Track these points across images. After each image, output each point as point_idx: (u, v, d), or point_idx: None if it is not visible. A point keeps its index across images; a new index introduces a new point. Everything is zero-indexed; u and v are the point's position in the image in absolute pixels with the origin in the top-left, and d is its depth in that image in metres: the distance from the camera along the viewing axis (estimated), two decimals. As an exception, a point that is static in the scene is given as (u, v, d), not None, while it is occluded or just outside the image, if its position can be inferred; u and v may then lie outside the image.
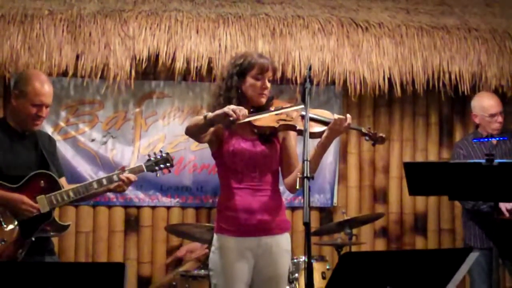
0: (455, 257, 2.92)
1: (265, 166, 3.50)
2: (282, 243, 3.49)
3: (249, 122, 3.38)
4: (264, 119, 3.41)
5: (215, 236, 3.56)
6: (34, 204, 3.65)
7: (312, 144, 3.39)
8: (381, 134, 3.37)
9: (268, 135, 3.44)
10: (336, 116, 3.33)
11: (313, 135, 3.32)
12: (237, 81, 3.50)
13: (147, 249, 5.55)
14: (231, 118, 3.25)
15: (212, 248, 3.56)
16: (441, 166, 3.89)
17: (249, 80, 3.47)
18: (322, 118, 3.40)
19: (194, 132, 3.52)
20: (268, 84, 3.52)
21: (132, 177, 3.85)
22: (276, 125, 3.40)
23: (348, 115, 3.32)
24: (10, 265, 3.28)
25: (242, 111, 3.26)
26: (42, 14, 5.19)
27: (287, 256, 3.51)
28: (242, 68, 3.49)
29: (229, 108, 3.24)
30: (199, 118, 3.43)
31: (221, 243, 3.50)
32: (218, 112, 3.30)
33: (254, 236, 3.48)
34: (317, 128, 3.35)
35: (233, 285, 3.48)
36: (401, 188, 5.79)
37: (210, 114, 3.34)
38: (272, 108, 3.49)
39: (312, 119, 3.30)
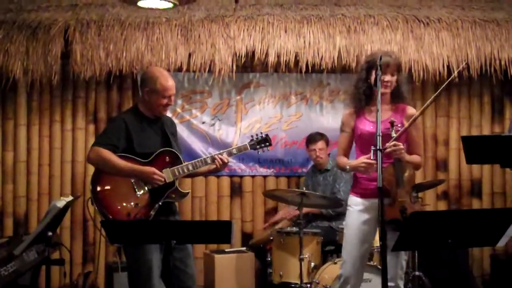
0: (506, 216, 3.06)
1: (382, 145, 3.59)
2: None
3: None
4: None
5: (349, 196, 4.01)
6: (162, 174, 3.90)
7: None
8: None
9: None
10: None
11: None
12: (366, 75, 3.88)
13: (249, 210, 6.06)
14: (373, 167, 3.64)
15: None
16: (493, 138, 3.98)
17: (373, 74, 3.77)
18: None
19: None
20: (389, 78, 3.80)
21: (225, 159, 4.06)
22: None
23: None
24: (143, 223, 3.72)
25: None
26: (160, 21, 5.66)
27: None
28: (369, 65, 3.87)
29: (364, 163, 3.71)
30: (344, 164, 3.93)
31: (351, 202, 3.95)
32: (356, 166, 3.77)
33: (371, 198, 3.79)
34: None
35: (354, 229, 3.88)
36: (459, 158, 6.09)
37: (352, 166, 3.83)
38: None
39: None
